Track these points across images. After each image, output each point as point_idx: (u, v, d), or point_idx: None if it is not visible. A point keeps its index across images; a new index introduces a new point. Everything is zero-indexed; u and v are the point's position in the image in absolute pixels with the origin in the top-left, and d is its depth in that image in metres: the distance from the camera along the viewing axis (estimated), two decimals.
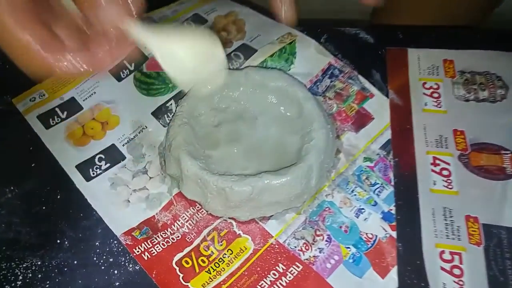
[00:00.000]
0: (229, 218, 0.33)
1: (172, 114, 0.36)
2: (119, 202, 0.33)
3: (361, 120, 0.37)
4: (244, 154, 0.35)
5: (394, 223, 0.32)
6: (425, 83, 0.39)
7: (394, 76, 0.40)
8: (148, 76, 0.40)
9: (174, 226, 0.32)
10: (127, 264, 0.30)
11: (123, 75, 0.40)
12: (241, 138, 0.35)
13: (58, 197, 0.34)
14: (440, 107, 0.38)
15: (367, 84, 0.38)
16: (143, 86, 0.39)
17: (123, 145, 0.36)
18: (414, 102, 0.38)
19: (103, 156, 0.36)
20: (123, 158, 0.36)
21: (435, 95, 0.39)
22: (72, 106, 0.39)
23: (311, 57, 0.39)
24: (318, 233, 0.32)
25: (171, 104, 0.38)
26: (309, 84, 0.38)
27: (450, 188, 0.33)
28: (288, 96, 0.36)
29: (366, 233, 0.32)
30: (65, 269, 0.30)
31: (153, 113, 0.38)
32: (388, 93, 0.39)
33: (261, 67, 0.38)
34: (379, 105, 0.37)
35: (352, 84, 0.39)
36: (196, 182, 0.32)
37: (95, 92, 0.39)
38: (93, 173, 0.35)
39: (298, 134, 0.35)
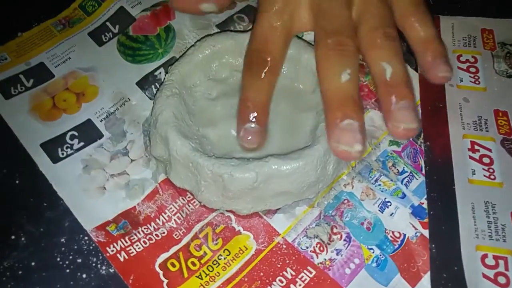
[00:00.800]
0: (226, 211, 0.27)
1: (161, 83, 0.30)
2: (92, 189, 0.28)
3: None
4: None
5: (426, 220, 0.27)
6: (460, 55, 0.34)
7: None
8: (134, 40, 0.33)
9: (159, 219, 0.27)
10: (98, 266, 0.25)
11: (105, 39, 0.34)
12: None
13: (17, 182, 0.28)
14: (478, 83, 0.32)
15: None
16: (128, 51, 0.33)
17: (101, 121, 0.30)
18: None
19: (76, 133, 0.30)
20: (100, 136, 0.30)
21: (472, 69, 0.33)
22: (40, 73, 0.32)
23: None
24: (335, 230, 0.26)
25: (160, 72, 0.32)
26: None
27: (493, 179, 0.28)
28: (300, 65, 0.30)
29: (393, 232, 0.26)
30: (20, 272, 0.24)
31: (138, 83, 0.32)
32: (417, 66, 0.33)
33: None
34: None
35: None
36: (187, 166, 0.26)
37: (70, 58, 0.33)
38: (63, 154, 0.29)
39: (312, 111, 0.29)
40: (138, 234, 0.26)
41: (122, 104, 0.31)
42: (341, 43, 0.24)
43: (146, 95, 0.31)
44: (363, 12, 0.26)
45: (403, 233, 0.26)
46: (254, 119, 0.24)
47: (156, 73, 0.32)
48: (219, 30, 0.34)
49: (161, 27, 0.34)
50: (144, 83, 0.32)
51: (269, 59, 0.25)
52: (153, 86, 0.32)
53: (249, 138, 0.24)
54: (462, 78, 0.32)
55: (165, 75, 0.29)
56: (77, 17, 0.35)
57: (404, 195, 0.28)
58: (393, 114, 0.23)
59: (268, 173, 0.25)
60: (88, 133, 0.30)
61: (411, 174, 0.28)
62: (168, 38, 0.34)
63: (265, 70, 0.25)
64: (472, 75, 0.33)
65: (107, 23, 0.34)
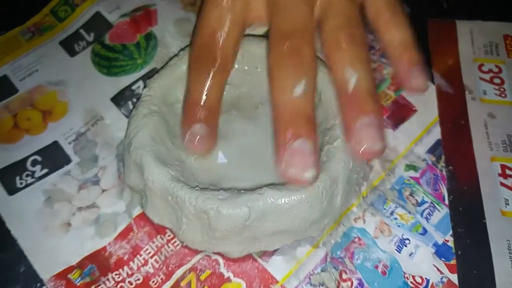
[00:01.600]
0: (213, 253, 0.22)
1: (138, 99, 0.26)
2: (54, 227, 0.23)
3: (400, 112, 0.27)
4: (238, 159, 0.25)
5: (453, 262, 0.22)
6: (481, 65, 0.30)
7: (440, 56, 0.30)
8: (110, 49, 0.29)
9: (134, 263, 0.22)
10: None
11: (78, 48, 0.30)
12: (234, 136, 0.25)
13: None
14: (504, 96, 0.28)
15: None
16: (104, 62, 0.29)
17: (70, 143, 0.26)
18: (468, 90, 0.28)
19: (39, 158, 0.25)
20: (68, 161, 0.25)
21: (497, 80, 0.29)
22: (2, 87, 0.28)
23: None
24: (344, 276, 0.22)
25: (138, 86, 0.28)
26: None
27: None
28: None
29: (413, 276, 0.22)
30: None
31: (113, 99, 0.28)
32: (433, 77, 0.29)
33: (264, 36, 0.27)
34: (422, 93, 0.27)
35: (387, 64, 0.28)
36: (166, 199, 0.22)
37: (37, 70, 0.29)
38: (21, 183, 0.24)
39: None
40: (107, 283, 0.22)
41: (94, 123, 0.27)
42: (297, 49, 0.20)
43: (122, 113, 0.27)
44: (326, 9, 0.22)
45: (426, 278, 0.22)
46: (202, 121, 0.22)
47: (134, 87, 0.28)
48: None
49: (141, 34, 0.30)
50: (120, 98, 0.28)
51: (219, 54, 0.22)
52: (130, 102, 0.28)
53: (196, 142, 0.21)
54: (485, 91, 0.28)
55: (143, 89, 0.25)
56: (47, 23, 0.31)
57: (425, 231, 0.23)
58: (355, 132, 0.20)
59: (263, 208, 0.21)
60: (53, 157, 0.26)
61: (432, 205, 0.24)
62: (148, 46, 0.30)
63: (214, 67, 0.22)
64: (497, 87, 0.29)
65: (81, 31, 0.30)
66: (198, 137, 0.21)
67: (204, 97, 0.22)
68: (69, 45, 0.30)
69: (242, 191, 0.21)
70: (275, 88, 0.20)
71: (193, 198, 0.21)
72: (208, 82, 0.22)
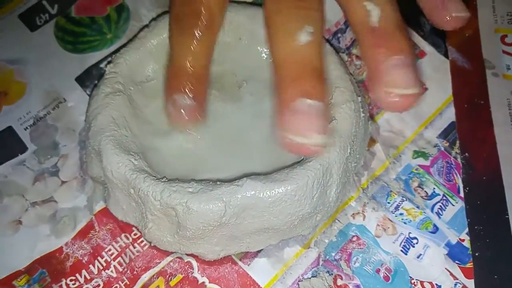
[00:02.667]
0: (186, 255, 0.19)
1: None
2: (2, 224, 0.20)
3: None
4: (218, 146, 0.21)
5: (469, 265, 0.19)
6: (504, 36, 0.26)
7: None
8: (77, 23, 0.26)
9: (94, 266, 0.19)
10: None
11: (40, 22, 0.27)
12: (214, 116, 0.22)
13: None
14: None
15: (414, 38, 0.25)
16: (69, 37, 0.26)
17: (26, 129, 0.23)
18: (489, 65, 0.24)
19: None
20: (23, 149, 0.23)
21: None
22: None
23: None
24: (339, 282, 0.19)
25: (107, 64, 0.25)
26: (326, 35, 0.25)
27: None
28: None
29: (421, 282, 0.19)
30: None
31: (78, 79, 0.25)
32: (447, 50, 0.25)
33: (250, 3, 0.23)
34: (434, 69, 0.25)
35: None
36: (128, 193, 0.18)
37: None
38: None
39: None
40: None
41: (55, 106, 0.24)
42: None
43: (88, 94, 0.24)
44: None
45: (436, 285, 0.19)
46: (187, 92, 0.19)
47: (102, 65, 0.25)
48: None
49: (112, 6, 0.27)
50: (86, 78, 0.25)
51: (203, 11, 0.19)
52: (96, 82, 0.24)
53: (181, 114, 0.19)
54: (509, 66, 0.25)
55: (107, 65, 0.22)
56: None
57: (436, 229, 0.20)
58: (384, 74, 0.16)
59: (242, 203, 0.17)
60: (6, 145, 0.23)
61: (444, 198, 0.21)
62: (120, 19, 0.26)
63: (199, 27, 0.19)
64: None
65: (44, 2, 0.27)
66: (181, 110, 0.19)
67: (189, 63, 0.19)
68: (30, 19, 0.27)
69: (218, 183, 0.18)
70: (275, 36, 0.17)
71: (157, 191, 0.17)
72: (193, 44, 0.19)
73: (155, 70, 0.23)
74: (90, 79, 0.25)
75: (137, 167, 0.18)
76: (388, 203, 0.21)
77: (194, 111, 0.19)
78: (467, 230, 0.20)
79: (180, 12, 0.20)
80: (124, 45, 0.24)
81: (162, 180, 0.18)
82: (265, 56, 0.23)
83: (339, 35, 0.25)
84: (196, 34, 0.19)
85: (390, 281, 0.19)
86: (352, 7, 0.18)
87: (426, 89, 0.24)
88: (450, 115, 0.23)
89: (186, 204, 0.17)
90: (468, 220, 0.20)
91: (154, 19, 0.24)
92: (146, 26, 0.23)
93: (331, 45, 0.23)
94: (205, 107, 0.20)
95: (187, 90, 0.19)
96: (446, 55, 0.25)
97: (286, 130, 0.16)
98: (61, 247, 0.20)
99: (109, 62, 0.23)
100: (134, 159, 0.19)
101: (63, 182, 0.22)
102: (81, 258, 0.19)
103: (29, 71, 0.25)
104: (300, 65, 0.17)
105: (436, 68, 0.24)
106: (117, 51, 0.25)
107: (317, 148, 0.16)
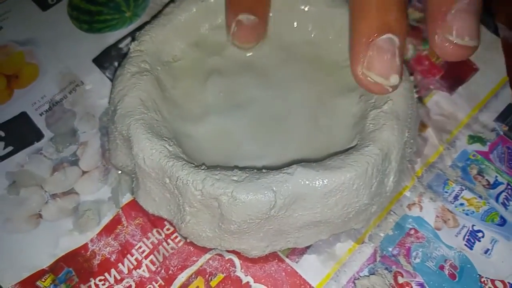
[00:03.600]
0: (228, 252, 0.17)
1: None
2: (21, 219, 0.19)
3: (457, 71, 0.22)
4: (255, 130, 0.19)
5: None
6: None
7: (504, 2, 0.24)
8: (92, 2, 0.24)
9: (124, 265, 0.17)
10: None
11: (52, 1, 0.24)
12: (250, 101, 0.20)
13: None
14: None
15: None
16: (84, 17, 0.24)
17: (41, 114, 0.21)
18: None
19: (1, 134, 0.21)
20: (39, 136, 0.21)
21: None
22: None
23: None
24: (400, 280, 0.17)
25: (126, 45, 0.23)
26: None
27: None
28: (333, 26, 0.20)
29: (492, 280, 0.17)
30: None
31: (96, 60, 0.23)
32: (497, 28, 0.23)
33: None
34: (485, 48, 0.23)
35: None
36: (163, 183, 0.16)
37: (1, 27, 0.24)
38: None
39: (354, 93, 0.19)
40: None
41: (72, 89, 0.22)
42: None
43: (107, 76, 0.22)
44: None
45: (509, 283, 0.17)
46: (249, 8, 0.19)
47: (121, 45, 0.23)
48: None
49: None
50: (104, 59, 0.23)
51: None
52: (116, 64, 0.22)
53: (244, 32, 0.19)
54: None
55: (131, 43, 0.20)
56: None
57: (503, 221, 0.18)
58: (445, 19, 0.15)
59: (294, 193, 0.15)
60: (20, 132, 0.21)
61: (510, 186, 0.19)
62: None
63: None
64: None
65: None
66: (245, 29, 0.19)
67: None
68: None
69: (264, 171, 0.16)
70: None
71: (198, 180, 0.15)
72: None
73: (183, 49, 0.21)
74: (109, 60, 0.22)
75: (172, 153, 0.16)
76: (446, 192, 0.19)
77: (256, 28, 0.19)
78: None
79: None
80: (147, 22, 0.22)
81: (202, 168, 0.16)
82: (302, 33, 0.21)
83: None
84: None
85: (457, 279, 0.17)
86: None
87: (476, 69, 0.22)
88: (506, 97, 0.21)
89: (231, 194, 0.15)
90: None
91: None
92: (172, 1, 0.21)
93: None
94: (267, 24, 0.20)
95: (248, 9, 0.19)
96: (496, 32, 0.23)
97: (369, 68, 0.15)
98: (86, 244, 0.18)
99: (133, 40, 0.21)
100: (168, 145, 0.16)
101: (84, 172, 0.20)
102: (109, 256, 0.17)
103: (42, 52, 0.23)
104: None
105: (487, 46, 0.22)
106: (137, 30, 0.23)
107: (393, 88, 0.16)
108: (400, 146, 0.17)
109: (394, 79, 0.15)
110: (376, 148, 0.16)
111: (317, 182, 0.15)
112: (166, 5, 0.21)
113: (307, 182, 0.15)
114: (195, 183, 0.16)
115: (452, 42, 0.15)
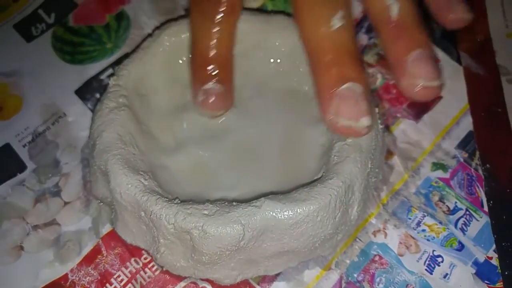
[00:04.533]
0: (201, 280, 0.18)
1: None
2: (3, 251, 0.19)
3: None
4: (229, 160, 0.20)
5: (499, 284, 0.18)
6: None
7: (466, 31, 0.25)
8: (75, 33, 0.25)
9: None
10: None
11: (36, 32, 0.25)
12: (225, 132, 0.21)
13: None
14: None
15: None
16: (67, 48, 0.25)
17: (24, 146, 0.22)
18: (504, 71, 0.24)
19: None
20: (22, 168, 0.21)
21: None
22: None
23: None
24: None
25: (108, 76, 0.24)
26: None
27: None
28: (304, 59, 0.21)
29: None
30: None
31: (78, 92, 0.23)
32: (459, 57, 0.24)
33: (258, 11, 0.22)
34: (448, 76, 0.24)
35: None
36: (138, 216, 0.17)
37: None
38: None
39: (322, 124, 0.20)
40: None
41: (54, 121, 0.22)
42: None
43: (88, 108, 0.23)
44: None
45: None
46: (214, 77, 0.19)
47: (102, 77, 0.24)
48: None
49: (112, 14, 0.25)
50: (86, 91, 0.23)
51: None
52: (98, 95, 0.23)
53: (211, 101, 0.19)
54: None
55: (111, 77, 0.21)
56: None
57: (461, 246, 0.19)
58: (408, 67, 0.17)
59: (262, 225, 0.16)
60: (3, 164, 0.22)
61: (468, 212, 0.20)
62: (120, 28, 0.25)
63: (221, 10, 0.19)
64: None
65: (40, 11, 0.26)
66: (212, 97, 0.19)
67: (212, 48, 0.19)
68: (25, 29, 0.25)
69: (234, 203, 0.17)
70: (307, 22, 0.18)
71: (171, 214, 0.16)
72: (215, 28, 0.19)
73: (160, 82, 0.21)
74: (90, 91, 0.23)
75: (147, 187, 0.17)
76: (409, 219, 0.20)
77: (224, 96, 0.19)
78: (494, 247, 0.19)
79: None
80: (126, 56, 0.23)
81: (175, 202, 0.17)
82: (274, 68, 0.22)
83: None
84: (218, 17, 0.19)
85: None
86: (373, 2, 0.18)
87: (440, 97, 0.23)
88: (467, 124, 0.22)
89: (202, 228, 0.16)
90: (495, 236, 0.19)
91: (157, 28, 0.22)
92: (150, 35, 0.22)
93: None
94: (232, 92, 0.20)
95: (213, 76, 0.19)
96: (459, 61, 0.24)
97: (337, 115, 0.16)
98: (66, 274, 0.18)
99: (111, 74, 0.21)
100: (144, 179, 0.17)
101: (66, 203, 0.20)
102: (88, 286, 0.18)
103: (26, 84, 0.23)
104: (336, 50, 0.17)
105: (449, 75, 0.24)
106: (118, 61, 0.24)
107: (366, 129, 0.16)
108: (363, 177, 0.18)
109: (365, 120, 0.16)
110: (339, 181, 0.17)
111: (283, 214, 0.16)
112: (144, 39, 0.22)
113: (273, 215, 0.16)
114: (167, 217, 0.16)
115: (418, 85, 0.17)
